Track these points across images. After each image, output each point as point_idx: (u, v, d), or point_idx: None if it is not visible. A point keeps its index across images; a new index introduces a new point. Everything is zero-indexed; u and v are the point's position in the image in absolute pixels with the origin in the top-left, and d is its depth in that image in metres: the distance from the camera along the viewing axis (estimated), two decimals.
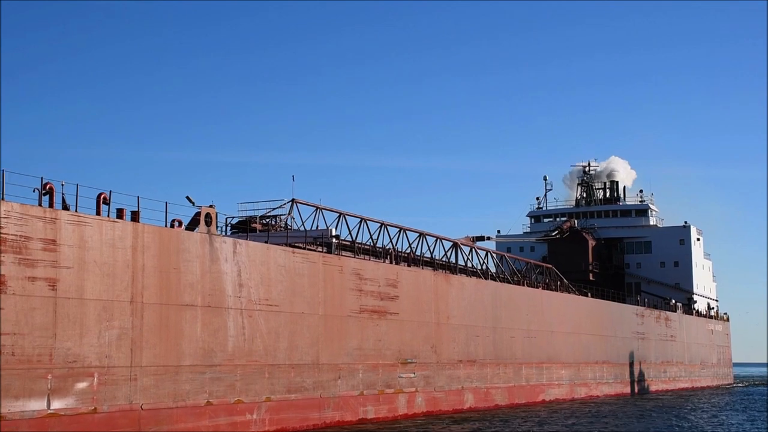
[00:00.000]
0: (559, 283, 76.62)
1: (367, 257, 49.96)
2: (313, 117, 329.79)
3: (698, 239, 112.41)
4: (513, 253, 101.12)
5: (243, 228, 48.36)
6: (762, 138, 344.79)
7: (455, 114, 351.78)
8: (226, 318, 37.44)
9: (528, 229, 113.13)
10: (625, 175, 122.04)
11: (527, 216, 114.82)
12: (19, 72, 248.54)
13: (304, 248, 44.61)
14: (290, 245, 44.04)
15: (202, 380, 35.80)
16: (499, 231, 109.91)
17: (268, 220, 51.31)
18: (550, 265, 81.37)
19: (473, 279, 60.06)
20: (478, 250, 67.80)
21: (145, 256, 33.61)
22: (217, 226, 37.88)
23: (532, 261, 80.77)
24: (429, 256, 59.59)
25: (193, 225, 36.96)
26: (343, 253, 49.79)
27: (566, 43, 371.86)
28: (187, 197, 36.91)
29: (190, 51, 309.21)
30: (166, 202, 35.19)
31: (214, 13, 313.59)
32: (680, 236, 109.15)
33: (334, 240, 49.52)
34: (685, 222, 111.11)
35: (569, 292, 78.44)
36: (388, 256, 52.33)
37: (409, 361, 50.24)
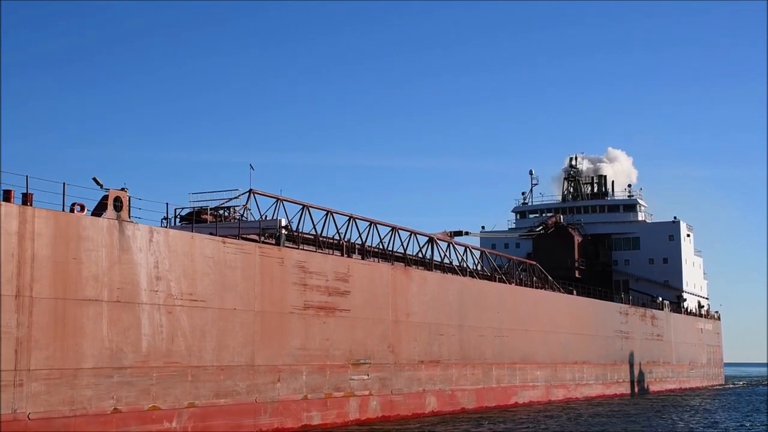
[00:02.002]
0: (534, 278, 72.62)
1: (313, 249, 46.00)
2: (306, 117, 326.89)
3: (688, 235, 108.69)
4: (498, 250, 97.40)
5: (196, 220, 44.48)
6: (761, 138, 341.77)
7: (454, 113, 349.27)
8: (140, 314, 33.49)
9: (513, 225, 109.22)
10: (620, 168, 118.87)
11: (512, 211, 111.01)
12: (19, 72, 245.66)
13: (238, 238, 40.58)
14: (239, 236, 40.26)
15: (108, 385, 31.83)
16: (483, 227, 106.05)
17: (222, 211, 47.46)
18: (534, 262, 77.54)
19: (437, 273, 56.13)
20: (456, 246, 63.94)
21: (36, 245, 29.66)
22: (130, 213, 33.88)
23: (514, 257, 76.91)
24: (402, 251, 55.95)
25: (100, 210, 33.00)
26: (305, 247, 46.08)
27: (566, 43, 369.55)
28: (94, 179, 32.96)
29: (189, 51, 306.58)
30: (64, 183, 31.26)
31: (214, 13, 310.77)
32: (669, 232, 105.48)
33: (283, 231, 45.63)
34: (675, 217, 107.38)
35: (553, 290, 74.66)
36: (341, 249, 48.34)
37: (362, 361, 46.33)
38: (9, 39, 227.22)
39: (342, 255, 47.54)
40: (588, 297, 79.46)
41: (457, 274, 59.99)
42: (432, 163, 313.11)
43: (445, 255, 61.18)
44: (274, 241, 44.59)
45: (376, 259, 50.79)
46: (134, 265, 33.39)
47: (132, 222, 33.78)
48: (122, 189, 33.50)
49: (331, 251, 47.59)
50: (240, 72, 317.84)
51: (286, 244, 44.69)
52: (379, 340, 48.03)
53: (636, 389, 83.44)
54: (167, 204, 35.80)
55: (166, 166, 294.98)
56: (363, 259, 49.50)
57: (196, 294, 36.31)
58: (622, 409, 61.74)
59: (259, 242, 41.45)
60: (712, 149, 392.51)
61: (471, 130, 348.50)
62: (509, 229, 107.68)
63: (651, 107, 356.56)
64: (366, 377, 46.55)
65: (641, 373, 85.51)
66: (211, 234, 39.28)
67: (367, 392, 46.52)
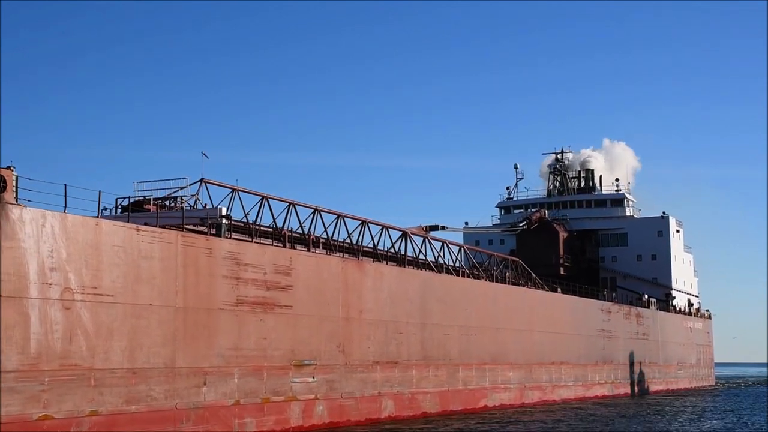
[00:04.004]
0: (507, 275, 68.40)
1: (248, 238, 41.96)
2: (298, 118, 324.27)
3: (678, 231, 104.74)
4: (482, 247, 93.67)
5: (137, 210, 40.66)
6: (761, 138, 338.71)
7: (451, 112, 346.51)
8: (28, 310, 29.41)
9: (498, 221, 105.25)
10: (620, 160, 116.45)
11: (496, 207, 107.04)
12: (19, 72, 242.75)
13: (156, 226, 36.49)
14: (158, 224, 36.35)
15: None
16: (467, 222, 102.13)
17: (169, 201, 43.48)
18: (517, 259, 73.53)
19: (396, 267, 52.03)
20: (432, 241, 60.10)
21: None
22: (17, 195, 29.84)
23: (495, 253, 72.85)
24: (371, 246, 52.27)
25: None
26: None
27: (565, 42, 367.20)
28: None
29: (189, 51, 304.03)
30: None
31: (214, 13, 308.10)
32: (658, 228, 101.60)
33: (224, 221, 41.65)
34: (663, 212, 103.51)
35: (537, 287, 70.74)
36: (283, 238, 44.28)
37: (306, 363, 42.32)
38: (9, 39, 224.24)
39: (284, 246, 43.52)
40: (570, 294, 75.47)
41: (427, 269, 56.09)
42: (427, 162, 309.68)
43: (420, 251, 57.49)
44: (214, 232, 40.79)
45: (323, 251, 46.73)
46: (21, 254, 29.34)
47: (19, 205, 29.75)
48: (8, 167, 29.47)
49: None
50: (235, 72, 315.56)
51: (228, 235, 40.87)
52: (326, 339, 44.01)
53: (630, 390, 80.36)
54: (65, 186, 31.50)
55: (166, 166, 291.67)
56: (308, 250, 45.39)
57: (101, 287, 32.27)
58: (594, 414, 57.76)
59: (182, 230, 37.37)
60: (709, 149, 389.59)
61: (467, 129, 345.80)
62: (493, 224, 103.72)
63: (648, 106, 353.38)
64: (311, 380, 42.54)
65: (624, 374, 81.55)
66: (146, 224, 35.55)
67: (312, 396, 42.50)
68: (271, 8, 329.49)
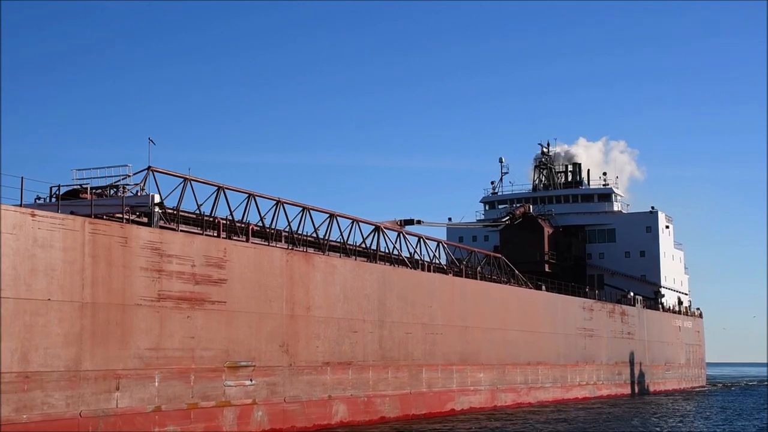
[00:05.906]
0: (478, 268, 64.40)
1: (174, 226, 38.03)
2: (287, 118, 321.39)
3: (667, 227, 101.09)
4: (466, 243, 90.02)
5: (69, 199, 36.88)
6: (757, 138, 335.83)
7: (453, 112, 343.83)
8: None
9: (482, 216, 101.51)
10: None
11: (480, 202, 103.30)
12: (19, 72, 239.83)
13: (57, 211, 32.62)
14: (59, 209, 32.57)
15: None
16: (450, 218, 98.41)
17: (110, 190, 39.60)
18: (499, 255, 69.69)
19: (350, 260, 48.08)
20: (407, 236, 56.32)
21: None
22: None
23: (476, 249, 68.99)
24: (341, 241, 48.74)
25: None
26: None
27: (564, 42, 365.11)
28: None
29: (187, 51, 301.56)
30: None
31: (213, 13, 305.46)
32: (647, 223, 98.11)
33: (156, 210, 37.81)
34: (652, 207, 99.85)
35: (520, 285, 66.91)
36: (218, 228, 40.35)
37: (242, 364, 38.41)
38: (9, 39, 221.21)
39: (219, 236, 39.60)
40: (551, 291, 71.61)
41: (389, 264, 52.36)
42: (428, 162, 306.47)
43: (394, 246, 53.75)
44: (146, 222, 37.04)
45: (264, 241, 42.81)
46: None
47: None
48: None
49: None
50: (229, 72, 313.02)
51: (163, 226, 37.10)
52: (267, 338, 40.10)
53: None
54: None
55: (164, 166, 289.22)
56: (247, 240, 41.45)
57: None
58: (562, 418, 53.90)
59: (91, 217, 33.41)
60: (704, 148, 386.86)
61: (463, 129, 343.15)
62: (477, 220, 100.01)
63: (645, 106, 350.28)
64: (248, 383, 38.64)
65: (607, 375, 77.68)
66: (74, 212, 31.96)
67: (249, 401, 38.58)
68: (271, 8, 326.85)
